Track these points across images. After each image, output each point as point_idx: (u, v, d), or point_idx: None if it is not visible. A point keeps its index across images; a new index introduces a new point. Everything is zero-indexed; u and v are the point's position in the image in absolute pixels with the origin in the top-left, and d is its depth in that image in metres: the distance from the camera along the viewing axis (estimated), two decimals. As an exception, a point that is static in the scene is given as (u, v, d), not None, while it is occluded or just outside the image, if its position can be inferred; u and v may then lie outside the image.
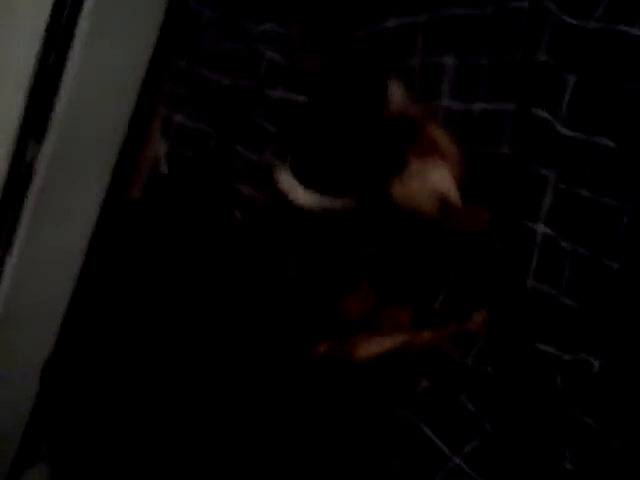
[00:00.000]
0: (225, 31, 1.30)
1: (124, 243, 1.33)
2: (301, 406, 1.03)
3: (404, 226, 0.92)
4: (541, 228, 0.94)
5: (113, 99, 1.41)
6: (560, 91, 0.93)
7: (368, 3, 1.12)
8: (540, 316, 0.94)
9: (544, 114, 0.93)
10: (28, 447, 1.42)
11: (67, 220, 1.44)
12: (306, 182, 0.88)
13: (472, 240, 1.00)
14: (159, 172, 1.38)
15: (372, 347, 1.00)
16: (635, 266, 0.89)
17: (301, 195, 0.88)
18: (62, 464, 1.29)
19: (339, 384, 1.03)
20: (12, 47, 1.35)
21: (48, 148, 1.37)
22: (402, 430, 1.01)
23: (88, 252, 1.44)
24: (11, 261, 1.42)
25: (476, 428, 0.96)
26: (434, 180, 0.88)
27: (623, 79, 0.89)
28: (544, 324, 0.94)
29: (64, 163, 1.39)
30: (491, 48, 1.00)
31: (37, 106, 1.38)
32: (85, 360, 1.30)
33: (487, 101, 0.99)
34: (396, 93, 0.85)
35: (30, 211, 1.40)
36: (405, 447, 1.00)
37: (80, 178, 1.43)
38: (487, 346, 0.99)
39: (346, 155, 0.86)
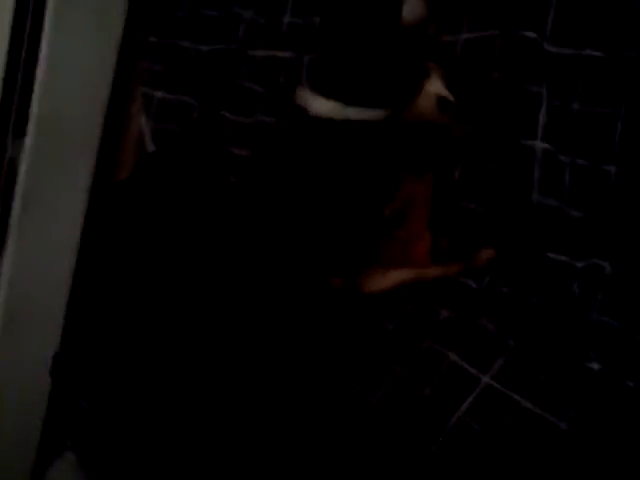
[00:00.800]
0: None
1: (117, 225, 1.30)
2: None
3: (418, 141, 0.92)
4: (539, 144, 0.96)
5: (89, 84, 1.39)
6: (544, 10, 0.94)
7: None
8: (549, 228, 0.96)
9: (530, 34, 0.95)
10: (52, 440, 1.41)
11: (57, 210, 1.42)
12: (324, 90, 0.86)
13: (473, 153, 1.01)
14: (146, 150, 1.37)
15: (383, 280, 1.02)
16: (632, 167, 0.92)
17: (319, 104, 0.86)
18: (87, 453, 1.28)
19: (356, 317, 1.04)
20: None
21: (29, 142, 1.36)
22: (428, 359, 1.03)
23: (82, 239, 1.43)
24: (5, 260, 1.40)
25: (500, 346, 0.98)
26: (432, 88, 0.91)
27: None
28: (554, 235, 0.96)
29: (47, 155, 1.38)
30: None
31: (13, 101, 1.36)
32: (92, 350, 1.28)
33: (472, 30, 1.01)
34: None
35: (18, 207, 1.38)
36: (433, 374, 1.02)
37: (65, 167, 1.41)
38: (500, 267, 1.02)
39: (365, 62, 0.85)
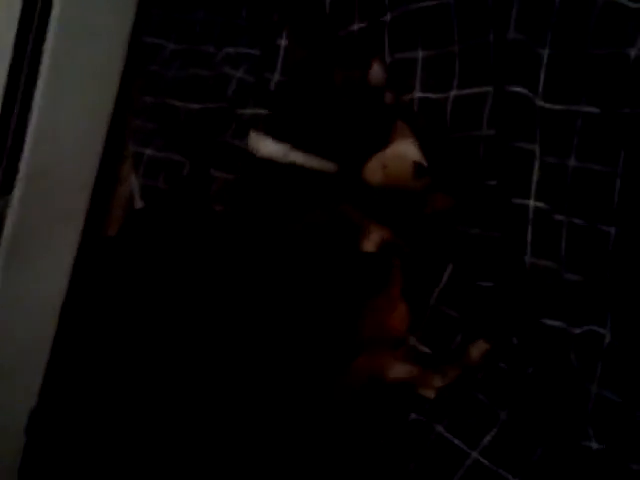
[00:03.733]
0: (189, 60, 1.24)
1: (104, 278, 1.22)
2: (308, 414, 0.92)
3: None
4: (532, 203, 0.87)
5: (82, 142, 1.33)
6: (535, 66, 0.88)
7: (332, 9, 1.07)
8: (543, 292, 0.86)
9: (522, 90, 0.88)
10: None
11: (44, 265, 1.34)
12: (273, 132, 0.84)
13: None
14: (134, 207, 1.29)
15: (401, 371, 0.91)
16: (633, 228, 0.82)
17: (266, 145, 0.84)
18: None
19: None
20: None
21: (17, 198, 1.28)
22: (414, 432, 0.91)
23: (68, 295, 1.34)
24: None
25: (491, 419, 0.87)
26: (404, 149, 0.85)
27: (596, 45, 0.84)
28: (549, 300, 0.86)
29: (34, 212, 1.30)
30: (460, 35, 0.95)
31: (2, 156, 1.29)
32: (69, 409, 1.17)
33: (462, 87, 0.94)
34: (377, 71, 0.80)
35: (2, 261, 1.30)
36: (419, 448, 0.90)
37: (53, 224, 1.34)
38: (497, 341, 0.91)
39: (317, 109, 0.82)
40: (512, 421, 0.86)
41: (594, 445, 0.81)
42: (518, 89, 0.88)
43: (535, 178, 0.87)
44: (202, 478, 0.94)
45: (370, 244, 0.86)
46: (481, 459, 0.85)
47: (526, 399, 0.86)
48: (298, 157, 0.83)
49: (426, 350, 0.95)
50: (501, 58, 0.90)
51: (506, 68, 0.89)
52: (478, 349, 0.90)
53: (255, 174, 0.87)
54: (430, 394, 0.92)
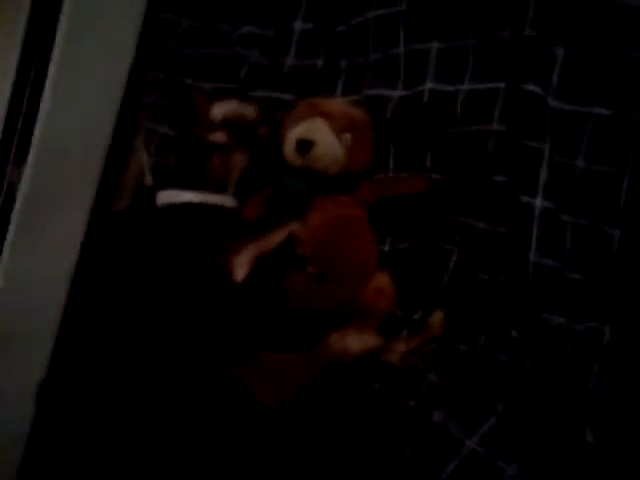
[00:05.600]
0: (204, 38, 1.22)
1: (113, 252, 1.22)
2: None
3: None
4: (539, 202, 0.86)
5: (95, 116, 1.31)
6: (550, 65, 0.86)
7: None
8: (546, 289, 0.86)
9: (535, 88, 0.86)
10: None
11: (54, 237, 1.33)
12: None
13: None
14: (144, 184, 1.29)
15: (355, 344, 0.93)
16: (637, 231, 0.82)
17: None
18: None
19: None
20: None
21: (29, 170, 1.27)
22: (412, 419, 0.92)
23: (77, 265, 1.34)
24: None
25: (488, 409, 0.88)
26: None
27: (612, 47, 0.83)
28: (551, 296, 0.86)
29: (46, 183, 1.29)
30: (475, 30, 0.93)
31: (15, 127, 1.28)
32: (78, 379, 1.18)
33: (475, 82, 0.92)
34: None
35: (15, 232, 1.30)
36: (417, 435, 0.91)
37: (65, 197, 1.33)
38: (494, 330, 0.91)
39: None
40: (509, 412, 0.87)
41: (589, 439, 0.82)
42: (531, 87, 0.87)
43: (543, 177, 0.86)
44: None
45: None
46: (477, 448, 0.87)
47: (524, 392, 0.87)
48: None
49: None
50: (515, 55, 0.88)
51: (520, 65, 0.88)
52: (437, 318, 0.96)
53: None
54: (395, 359, 0.96)
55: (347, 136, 0.95)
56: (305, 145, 0.94)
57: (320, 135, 0.94)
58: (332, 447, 0.94)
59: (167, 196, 1.05)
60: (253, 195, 1.02)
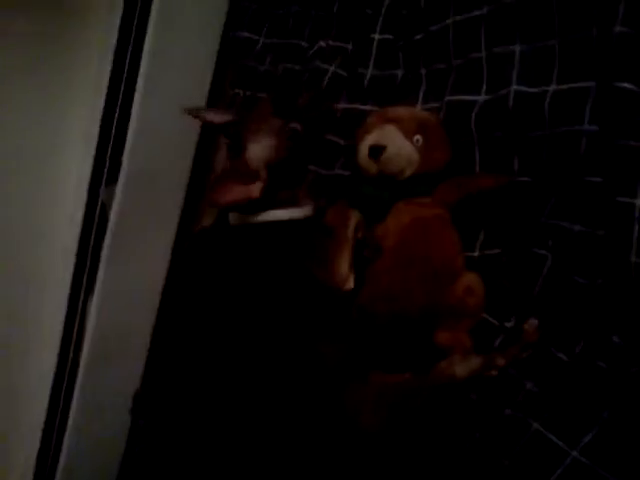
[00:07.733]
0: (281, 54, 1.23)
1: (201, 269, 1.23)
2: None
3: None
4: (639, 202, 0.82)
5: (178, 135, 1.34)
6: (643, 59, 0.82)
7: (426, 5, 1.03)
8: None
9: (629, 86, 0.82)
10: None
11: (144, 255, 1.37)
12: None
13: None
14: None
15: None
16: None
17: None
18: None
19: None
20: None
21: (120, 190, 1.31)
22: (509, 428, 0.89)
23: (167, 282, 1.38)
24: (94, 300, 1.35)
25: (592, 418, 0.84)
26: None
27: None
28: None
29: (136, 203, 1.33)
30: (560, 29, 0.90)
31: (106, 150, 1.33)
32: (172, 390, 1.19)
33: (562, 82, 0.89)
34: None
35: (108, 251, 1.33)
36: (514, 445, 0.88)
37: (153, 215, 1.37)
38: (594, 337, 0.87)
39: None
40: (614, 421, 0.82)
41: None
42: (625, 85, 0.83)
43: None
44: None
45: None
46: (581, 458, 0.83)
47: (629, 399, 0.83)
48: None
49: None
50: (606, 53, 0.84)
51: (612, 63, 0.84)
52: (531, 325, 0.92)
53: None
54: (494, 373, 0.94)
55: (418, 137, 0.96)
56: (377, 150, 0.95)
57: (391, 139, 0.96)
58: (431, 459, 0.92)
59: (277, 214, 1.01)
60: (334, 205, 1.02)
